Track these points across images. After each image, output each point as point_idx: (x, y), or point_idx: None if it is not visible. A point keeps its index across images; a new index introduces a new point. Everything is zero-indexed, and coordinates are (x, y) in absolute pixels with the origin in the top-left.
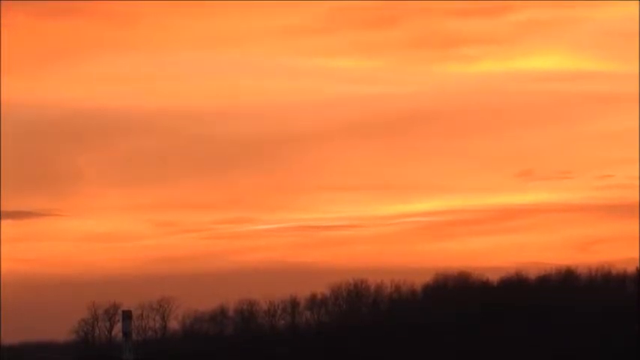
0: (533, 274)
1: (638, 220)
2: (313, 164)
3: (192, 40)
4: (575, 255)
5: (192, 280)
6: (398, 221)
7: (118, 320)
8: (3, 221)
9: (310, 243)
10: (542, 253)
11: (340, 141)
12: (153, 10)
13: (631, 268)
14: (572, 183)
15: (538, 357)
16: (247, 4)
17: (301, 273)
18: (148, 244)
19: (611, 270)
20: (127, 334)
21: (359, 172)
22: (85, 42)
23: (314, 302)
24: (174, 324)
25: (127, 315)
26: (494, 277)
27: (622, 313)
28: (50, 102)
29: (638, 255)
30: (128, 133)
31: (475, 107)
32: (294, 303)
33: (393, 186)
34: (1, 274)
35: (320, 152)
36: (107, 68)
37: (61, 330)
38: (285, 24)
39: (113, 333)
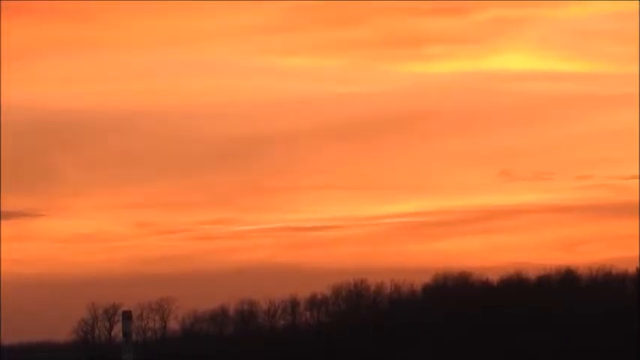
0: (532, 274)
1: (619, 221)
2: (295, 164)
3: (156, 39)
4: (560, 255)
5: (182, 280)
6: (382, 222)
7: (118, 320)
8: None
9: (297, 243)
10: (527, 253)
11: (318, 141)
12: (115, 9)
13: (631, 268)
14: (552, 184)
15: (538, 357)
16: (213, 3)
17: (288, 273)
18: (133, 244)
19: (611, 270)
20: (126, 334)
21: (339, 172)
22: (54, 41)
23: (314, 302)
24: (174, 324)
25: (127, 315)
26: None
27: (622, 313)
28: (31, 103)
29: (616, 255)
30: (108, 134)
31: (451, 107)
32: (294, 303)
33: (375, 186)
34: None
35: (301, 152)
36: (74, 69)
37: (55, 330)
38: (252, 22)
39: (113, 333)
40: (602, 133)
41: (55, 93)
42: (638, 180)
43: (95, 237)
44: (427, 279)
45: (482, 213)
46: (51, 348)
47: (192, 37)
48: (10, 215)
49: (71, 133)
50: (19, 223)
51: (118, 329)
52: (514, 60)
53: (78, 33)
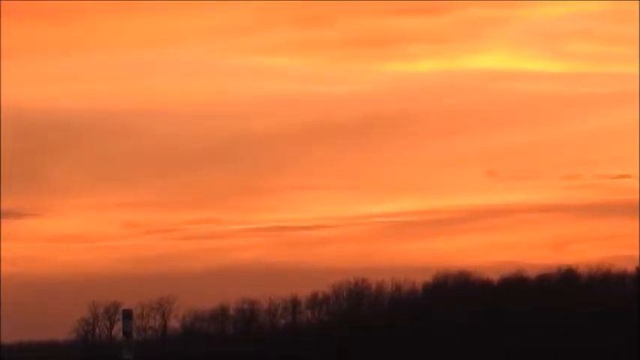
0: (532, 273)
1: (610, 220)
2: (282, 164)
3: (134, 40)
4: (552, 254)
5: (173, 279)
6: (372, 221)
7: (119, 319)
8: None
9: (289, 243)
10: (518, 253)
11: (304, 141)
12: (94, 10)
13: (630, 268)
14: (539, 183)
15: (538, 356)
16: (189, 3)
17: (285, 272)
18: (121, 244)
19: (610, 269)
20: (127, 333)
21: (329, 172)
22: (40, 42)
23: (315, 301)
24: (174, 323)
25: (128, 314)
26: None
27: (622, 313)
28: (20, 103)
29: (607, 254)
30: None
31: (435, 107)
32: (295, 302)
33: (364, 186)
34: None
35: (288, 152)
36: (59, 69)
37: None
38: (229, 22)
39: (113, 332)
40: (586, 133)
41: (43, 94)
42: (626, 179)
43: (82, 237)
44: (419, 278)
45: (473, 213)
46: (51, 347)
47: (173, 38)
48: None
49: (60, 134)
50: (8, 223)
51: (118, 328)
52: (493, 59)
53: (60, 34)
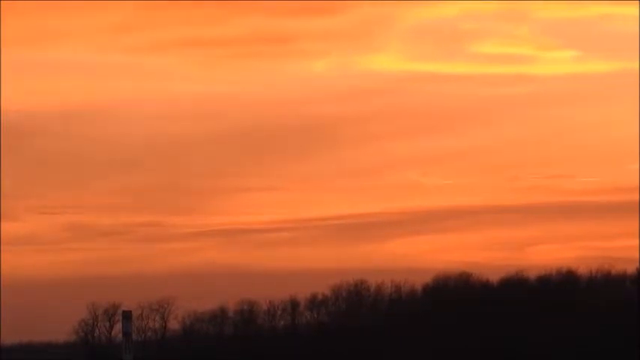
0: (533, 274)
1: (563, 221)
2: (215, 166)
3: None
4: (509, 255)
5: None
6: (318, 224)
7: (118, 320)
8: None
9: (238, 245)
10: (474, 254)
11: (228, 144)
12: None
13: (631, 269)
14: (484, 185)
15: (538, 357)
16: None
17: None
18: (65, 247)
19: (610, 270)
20: (126, 334)
21: (264, 174)
22: None
23: (314, 302)
24: (174, 324)
25: (127, 315)
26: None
27: (622, 314)
28: None
29: (565, 255)
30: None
31: (350, 109)
32: (294, 303)
33: (308, 188)
34: None
35: (219, 154)
36: None
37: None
38: (117, 20)
39: (113, 333)
40: (512, 135)
41: None
42: (560, 179)
43: (28, 239)
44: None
45: (423, 214)
46: (51, 348)
47: (69, 36)
48: None
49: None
50: None
51: (118, 329)
52: (389, 60)
53: None
